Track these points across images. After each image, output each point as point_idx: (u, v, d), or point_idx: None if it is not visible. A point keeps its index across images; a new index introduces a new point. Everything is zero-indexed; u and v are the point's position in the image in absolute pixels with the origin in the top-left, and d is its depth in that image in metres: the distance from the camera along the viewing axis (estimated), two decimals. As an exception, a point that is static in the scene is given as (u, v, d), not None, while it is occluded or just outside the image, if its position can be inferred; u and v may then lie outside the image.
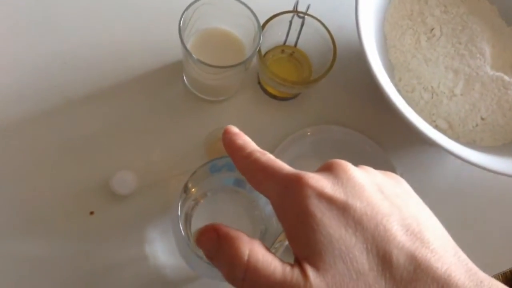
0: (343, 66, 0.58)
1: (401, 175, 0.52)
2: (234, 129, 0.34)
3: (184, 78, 0.56)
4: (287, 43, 0.57)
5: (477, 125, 0.53)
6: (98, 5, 0.58)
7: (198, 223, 0.47)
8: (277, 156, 0.52)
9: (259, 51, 0.50)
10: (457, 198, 0.58)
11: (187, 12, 0.47)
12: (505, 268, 0.56)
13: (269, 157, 0.30)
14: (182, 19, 0.46)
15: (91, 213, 0.49)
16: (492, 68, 0.54)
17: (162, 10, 0.59)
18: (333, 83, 0.59)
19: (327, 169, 0.30)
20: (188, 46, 0.51)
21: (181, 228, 0.39)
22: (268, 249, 0.29)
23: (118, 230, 0.49)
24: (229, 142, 0.33)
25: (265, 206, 0.47)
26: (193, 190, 0.44)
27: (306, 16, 0.52)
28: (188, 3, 0.47)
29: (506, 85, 0.53)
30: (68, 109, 0.53)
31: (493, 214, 0.58)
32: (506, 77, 0.53)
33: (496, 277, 1.01)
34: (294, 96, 0.58)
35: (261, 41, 0.49)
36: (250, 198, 0.48)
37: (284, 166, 0.30)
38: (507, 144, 0.53)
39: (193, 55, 0.46)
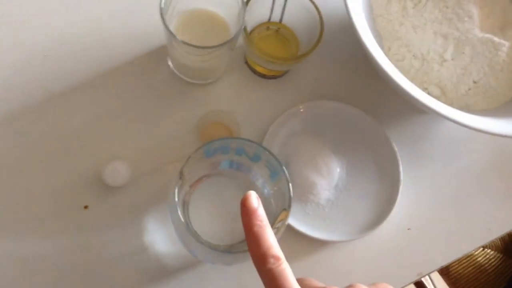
0: (331, 39, 0.57)
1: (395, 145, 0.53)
2: (252, 203, 0.36)
3: (170, 62, 0.54)
4: (272, 20, 0.56)
5: (469, 89, 0.52)
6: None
7: (196, 208, 0.46)
8: (271, 136, 0.52)
9: (245, 29, 0.49)
10: (453, 164, 0.57)
11: (168, -7, 0.45)
12: (505, 231, 0.56)
13: (280, 270, 0.34)
14: (163, 0, 0.45)
15: (85, 207, 0.48)
16: (481, 30, 0.53)
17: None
18: (322, 57, 0.58)
19: None
20: (171, 28, 0.49)
21: (179, 214, 0.39)
22: None
23: (115, 222, 0.48)
24: (247, 225, 0.35)
25: (263, 187, 0.46)
26: (188, 176, 0.44)
27: (289, -10, 0.51)
28: (168, -16, 0.45)
29: (496, 46, 0.52)
30: (52, 103, 0.51)
31: (490, 178, 0.58)
32: (495, 38, 0.52)
33: (495, 242, 1.02)
34: (283, 74, 0.57)
35: (245, 19, 0.48)
36: (247, 180, 0.47)
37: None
38: (501, 107, 0.53)
39: (177, 37, 0.45)
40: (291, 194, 0.40)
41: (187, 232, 0.39)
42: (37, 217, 0.48)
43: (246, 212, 0.36)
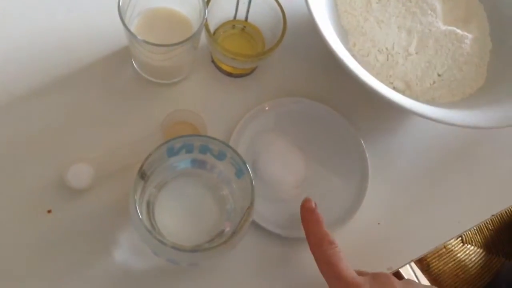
0: (297, 37, 0.57)
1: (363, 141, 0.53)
2: (310, 205, 0.46)
3: (133, 63, 0.54)
4: (237, 18, 0.56)
5: (434, 82, 0.53)
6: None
7: (162, 209, 0.46)
8: (238, 135, 0.51)
9: (207, 27, 0.49)
10: (422, 157, 0.57)
11: (126, -8, 0.45)
12: (475, 223, 0.56)
13: (334, 250, 0.43)
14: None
15: (49, 211, 0.47)
16: (445, 23, 0.53)
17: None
18: (289, 55, 0.58)
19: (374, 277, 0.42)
20: (132, 28, 0.49)
21: (138, 213, 0.38)
22: None
23: (79, 226, 0.47)
24: (305, 221, 0.46)
25: (229, 185, 0.46)
26: (152, 176, 0.43)
27: (253, -12, 0.51)
28: (127, -17, 0.45)
29: (459, 39, 0.52)
30: (14, 106, 0.50)
31: (461, 168, 0.58)
32: (459, 31, 0.52)
33: (475, 237, 1.02)
34: (250, 72, 0.57)
35: (208, 17, 0.47)
36: (213, 179, 0.47)
37: (345, 268, 0.41)
38: (465, 99, 0.53)
39: (138, 37, 0.44)
40: (254, 191, 0.40)
41: (148, 233, 0.38)
42: (-1, 222, 0.47)
43: (305, 210, 0.46)
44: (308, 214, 0.46)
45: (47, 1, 0.55)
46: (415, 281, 0.44)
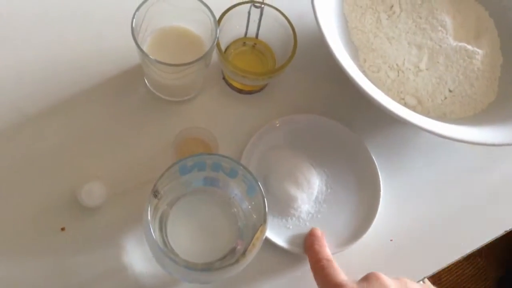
0: (308, 54, 0.58)
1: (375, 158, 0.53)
2: (317, 232, 0.49)
3: (146, 81, 0.54)
4: (248, 35, 0.56)
5: (445, 98, 0.53)
6: (49, 15, 0.56)
7: (174, 227, 0.46)
8: (249, 151, 0.52)
9: (218, 45, 0.49)
10: (434, 173, 0.57)
11: (139, 12, 0.45)
12: (488, 239, 0.55)
13: (330, 264, 0.45)
14: (134, 20, 0.45)
15: (62, 229, 0.48)
16: (455, 39, 0.53)
17: (115, 13, 0.57)
18: (299, 72, 0.58)
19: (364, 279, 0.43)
20: (145, 47, 0.50)
21: (151, 232, 0.38)
22: None
23: (93, 244, 0.48)
24: (310, 244, 0.48)
25: (241, 202, 0.46)
26: (164, 194, 0.43)
27: (264, 6, 0.51)
28: (139, 3, 0.46)
29: (470, 55, 0.52)
30: (27, 125, 0.51)
31: (474, 184, 0.58)
32: (469, 47, 0.52)
33: (486, 250, 1.02)
34: (261, 89, 0.57)
35: (219, 35, 0.48)
36: (226, 196, 0.47)
37: (335, 272, 0.44)
38: (478, 114, 0.53)
39: (150, 56, 0.45)
40: (266, 209, 0.40)
41: (160, 251, 0.39)
42: (14, 240, 0.47)
43: (312, 236, 0.49)
44: (313, 238, 0.48)
45: (59, 21, 0.56)
46: (408, 280, 0.44)
